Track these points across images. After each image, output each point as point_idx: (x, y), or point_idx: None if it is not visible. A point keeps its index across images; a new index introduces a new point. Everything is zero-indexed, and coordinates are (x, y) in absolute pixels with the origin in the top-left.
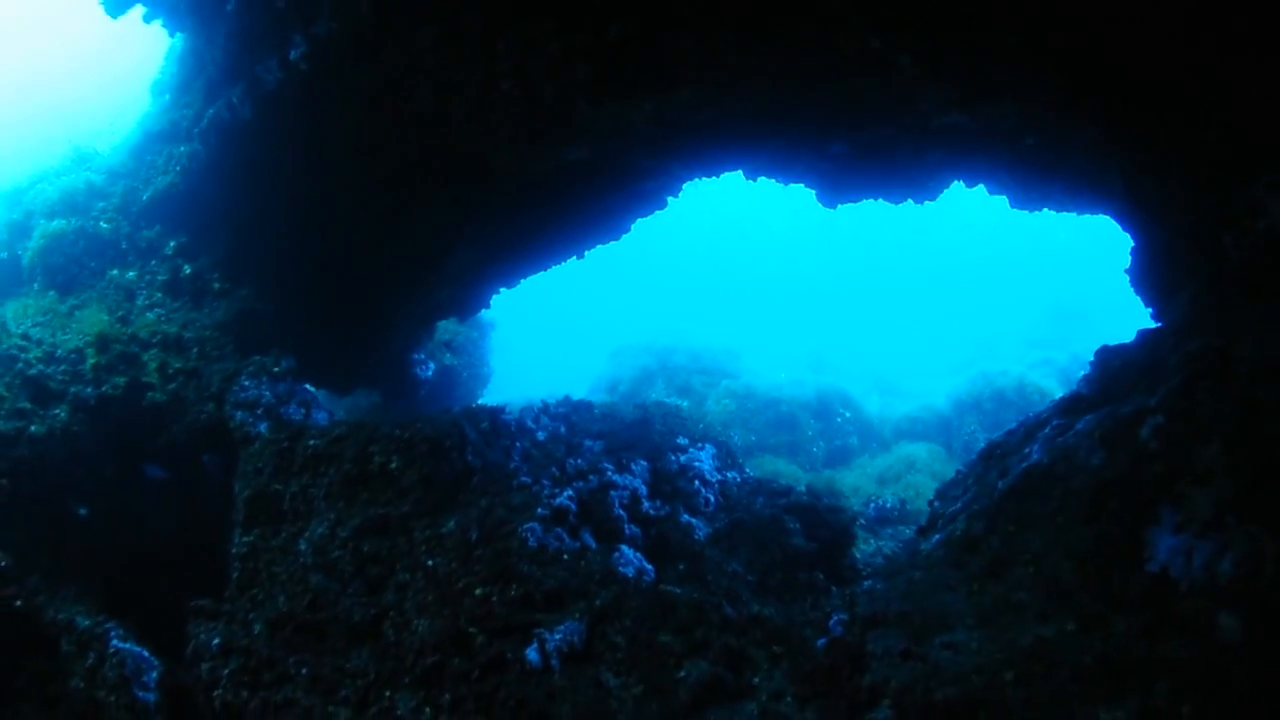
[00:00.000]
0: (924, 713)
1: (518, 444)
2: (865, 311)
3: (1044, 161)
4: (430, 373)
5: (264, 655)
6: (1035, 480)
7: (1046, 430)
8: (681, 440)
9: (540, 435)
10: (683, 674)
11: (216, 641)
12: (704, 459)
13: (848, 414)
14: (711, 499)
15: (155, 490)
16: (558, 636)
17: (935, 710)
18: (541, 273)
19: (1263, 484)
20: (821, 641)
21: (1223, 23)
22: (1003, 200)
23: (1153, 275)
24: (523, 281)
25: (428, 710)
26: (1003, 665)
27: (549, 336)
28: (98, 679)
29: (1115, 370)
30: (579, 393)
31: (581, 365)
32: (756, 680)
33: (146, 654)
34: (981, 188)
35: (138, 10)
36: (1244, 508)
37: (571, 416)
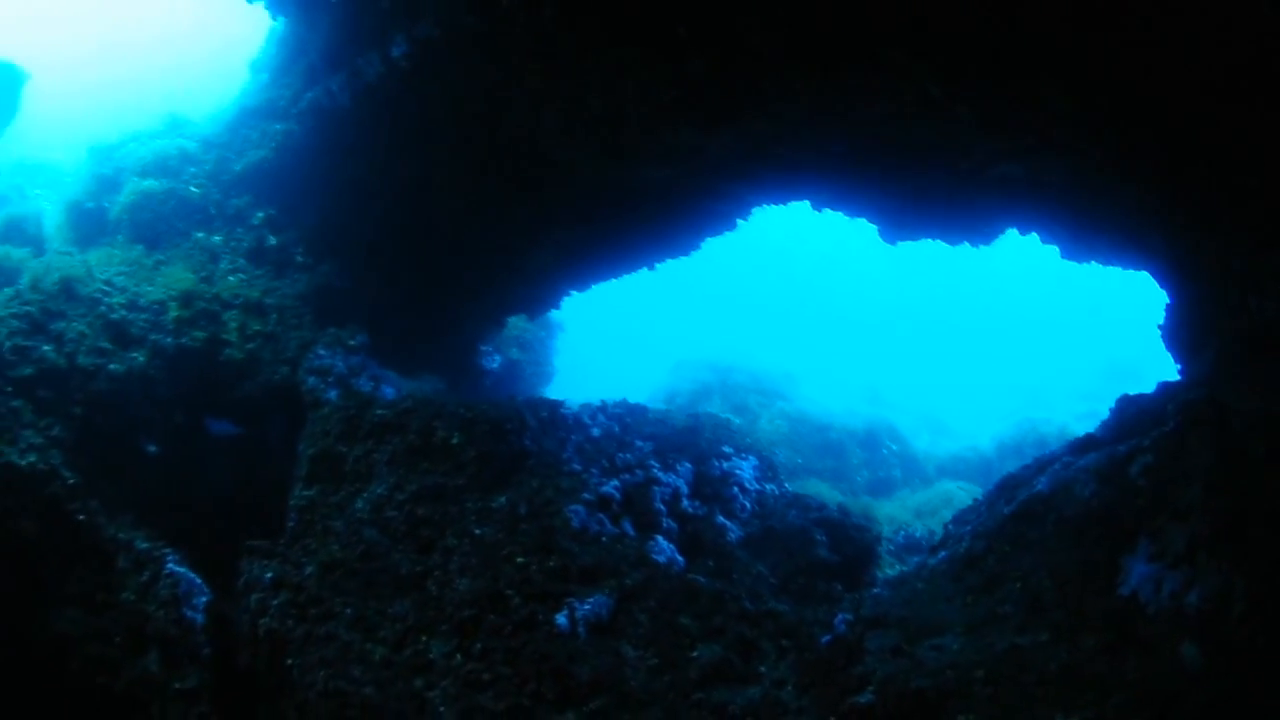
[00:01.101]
0: (900, 699)
1: (573, 437)
2: (925, 352)
3: (1091, 216)
4: (496, 365)
5: (313, 593)
6: (1034, 506)
7: (1055, 465)
8: (726, 449)
9: (595, 432)
10: (696, 654)
11: (269, 575)
12: (745, 468)
13: (894, 447)
14: (748, 505)
15: (219, 442)
16: (586, 607)
17: (909, 697)
18: (612, 280)
19: (1238, 526)
20: (826, 638)
21: (1257, 92)
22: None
23: (1182, 332)
24: (593, 287)
25: (459, 656)
26: (975, 665)
27: (614, 345)
28: (149, 595)
29: (1130, 417)
30: (638, 401)
31: (643, 375)
32: (764, 669)
33: (199, 580)
34: (1035, 237)
35: None
36: (1217, 546)
37: (626, 418)
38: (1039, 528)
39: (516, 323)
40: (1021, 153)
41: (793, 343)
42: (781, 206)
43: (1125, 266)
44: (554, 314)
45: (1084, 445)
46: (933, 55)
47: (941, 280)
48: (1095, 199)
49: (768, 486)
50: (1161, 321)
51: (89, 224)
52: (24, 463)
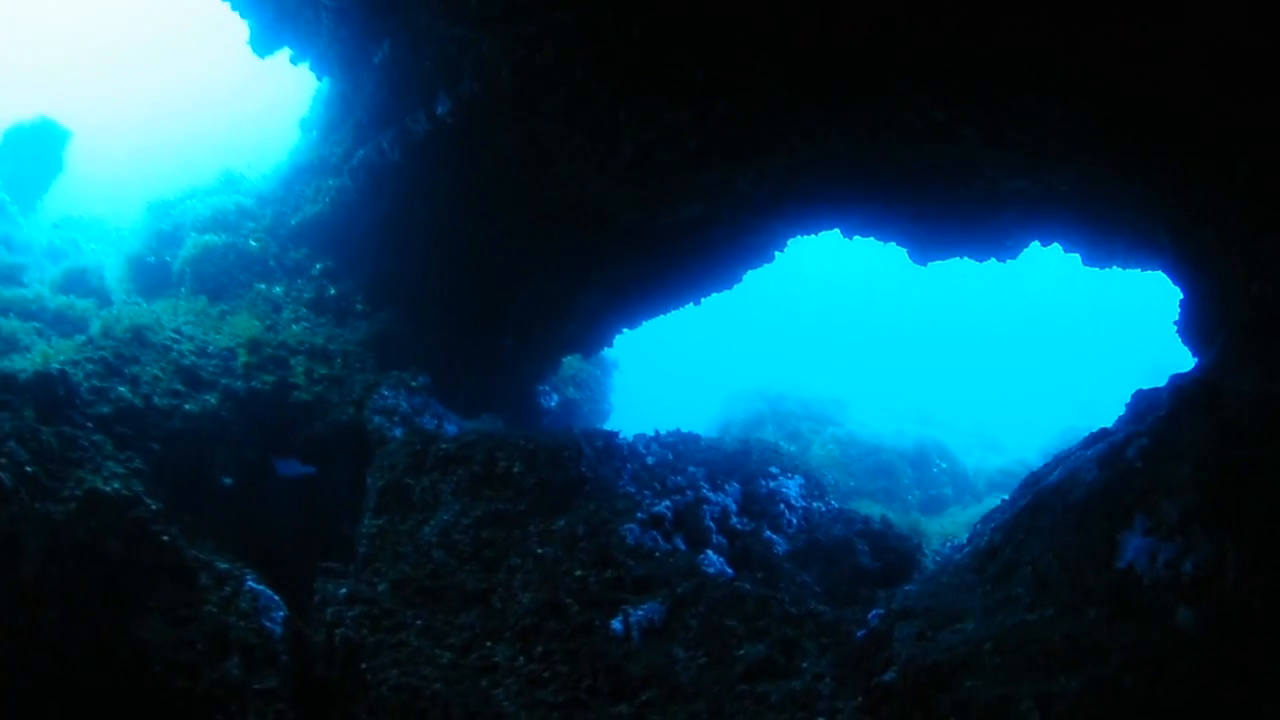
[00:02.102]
0: (918, 673)
1: (628, 465)
2: (974, 369)
3: (1103, 221)
4: (554, 403)
5: (385, 607)
6: (1045, 497)
7: (1070, 459)
8: (773, 470)
9: (649, 460)
10: (741, 652)
11: (344, 591)
12: (791, 487)
13: (944, 465)
14: (794, 521)
15: (288, 480)
16: (640, 613)
17: (926, 671)
18: (660, 315)
19: (1231, 497)
20: (860, 633)
21: (1247, 86)
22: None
23: (1195, 325)
24: (644, 323)
25: (521, 658)
26: (985, 639)
27: (669, 380)
28: (231, 608)
29: (1142, 410)
30: (693, 432)
31: (699, 408)
32: (805, 665)
33: (276, 597)
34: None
35: (277, 49)
36: (1209, 517)
37: (679, 446)
38: (1049, 516)
39: (572, 362)
40: (1028, 167)
41: (842, 368)
42: (820, 236)
43: (1143, 268)
44: (609, 352)
45: (1096, 438)
46: (933, 83)
47: (987, 296)
48: (1104, 204)
49: (814, 504)
50: (1177, 317)
51: (150, 276)
52: (109, 489)
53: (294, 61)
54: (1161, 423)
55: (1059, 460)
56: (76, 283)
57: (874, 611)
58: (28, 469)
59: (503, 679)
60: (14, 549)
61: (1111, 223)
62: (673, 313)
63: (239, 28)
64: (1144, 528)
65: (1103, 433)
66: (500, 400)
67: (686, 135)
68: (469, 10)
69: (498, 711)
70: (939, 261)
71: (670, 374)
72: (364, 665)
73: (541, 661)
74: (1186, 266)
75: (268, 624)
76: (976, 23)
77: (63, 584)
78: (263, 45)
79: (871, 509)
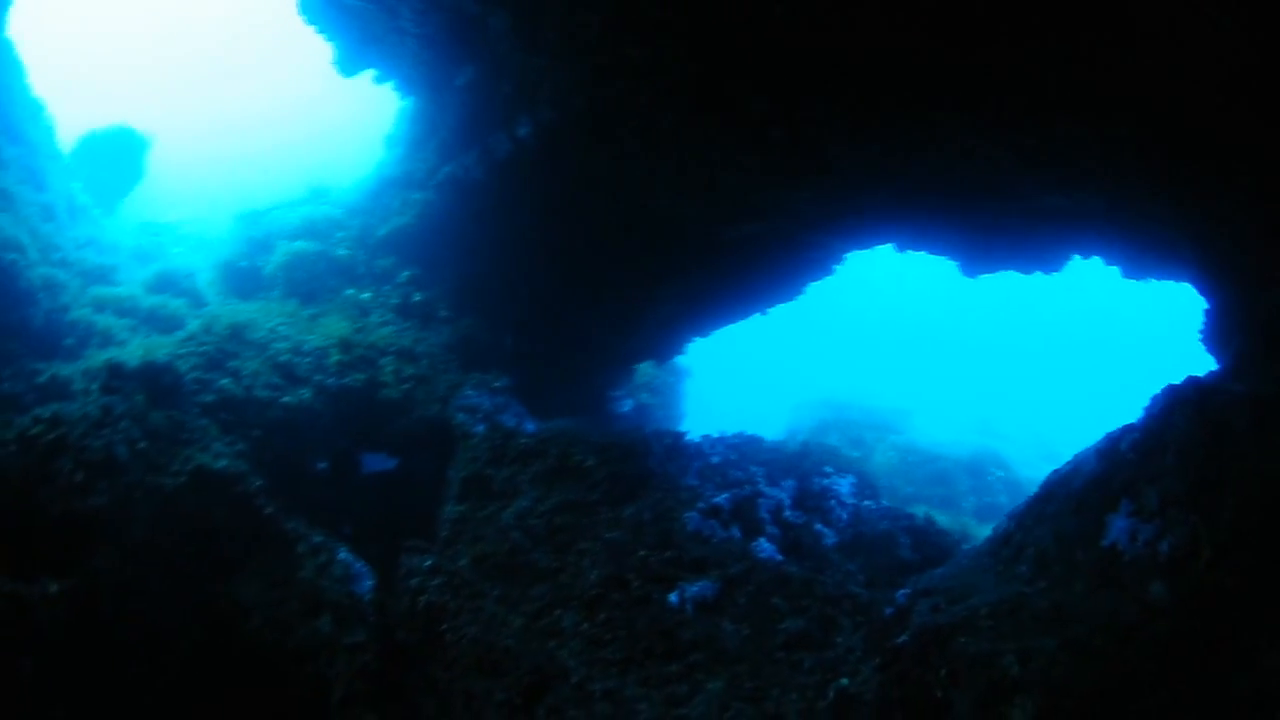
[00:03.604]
0: (923, 634)
1: (694, 463)
2: (1036, 381)
3: (1135, 234)
4: (628, 408)
5: (465, 578)
6: (1053, 487)
7: (1081, 454)
8: (827, 469)
9: (714, 459)
10: (783, 626)
11: (428, 563)
12: (843, 485)
13: (999, 473)
14: (844, 517)
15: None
16: (695, 589)
17: (929, 631)
18: (728, 325)
19: (1209, 485)
20: (889, 610)
21: (1253, 101)
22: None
23: (1216, 334)
24: (713, 332)
25: (585, 624)
26: (981, 606)
27: (739, 389)
28: (325, 574)
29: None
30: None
31: (768, 416)
32: (839, 639)
33: (366, 567)
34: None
35: (362, 70)
36: (1186, 501)
37: (742, 447)
38: (1054, 504)
39: (646, 369)
40: (1061, 185)
41: (907, 378)
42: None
43: (1176, 280)
44: (682, 360)
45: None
46: (967, 111)
47: (1049, 306)
48: (1134, 218)
49: (865, 502)
50: (1200, 327)
51: (242, 280)
52: (217, 465)
53: (378, 82)
54: (1154, 419)
55: (1075, 458)
56: (167, 284)
57: (901, 591)
58: (140, 445)
59: (568, 640)
60: (127, 515)
61: (1143, 236)
62: (744, 323)
63: (314, 44)
64: (1128, 510)
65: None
66: (576, 404)
67: (746, 159)
68: (545, 43)
69: (561, 666)
70: (988, 275)
71: (742, 383)
72: (444, 627)
73: (603, 626)
74: (1209, 277)
75: (357, 590)
76: (1007, 55)
77: (169, 547)
78: (348, 66)
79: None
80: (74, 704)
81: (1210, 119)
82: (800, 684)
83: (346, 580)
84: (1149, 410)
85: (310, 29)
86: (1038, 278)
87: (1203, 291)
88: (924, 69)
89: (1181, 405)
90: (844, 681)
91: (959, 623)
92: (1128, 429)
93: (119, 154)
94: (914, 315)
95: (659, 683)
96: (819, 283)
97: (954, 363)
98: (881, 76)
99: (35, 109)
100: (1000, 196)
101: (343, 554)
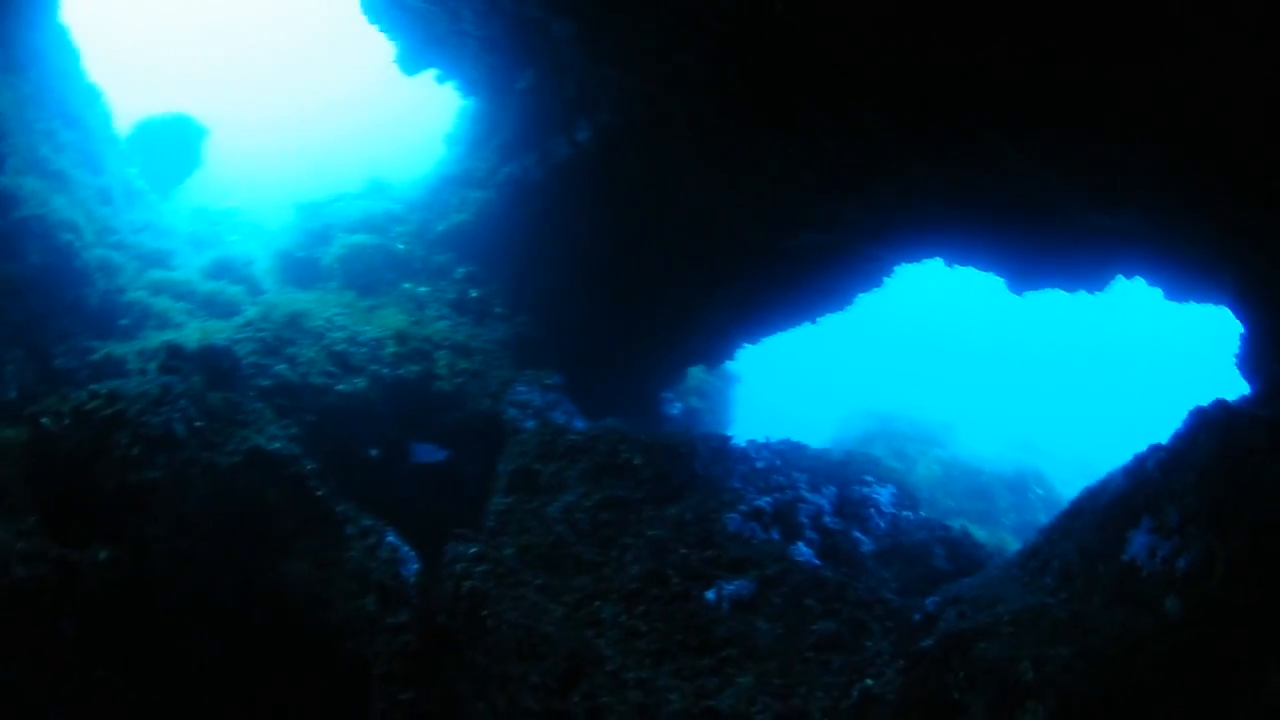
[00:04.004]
0: (948, 638)
1: (738, 467)
2: (1081, 400)
3: (1177, 256)
4: (677, 411)
5: (509, 566)
6: (1081, 503)
7: (1111, 474)
8: (868, 478)
9: (758, 463)
10: (815, 627)
11: (474, 550)
12: (883, 494)
13: (1040, 491)
14: (882, 525)
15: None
16: (732, 587)
17: (953, 636)
18: (779, 332)
19: (1228, 504)
20: (917, 616)
21: None
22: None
23: (1250, 359)
24: (764, 339)
25: (624, 616)
26: (1004, 615)
27: (789, 397)
28: (372, 556)
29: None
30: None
31: (816, 424)
32: (869, 643)
33: (412, 552)
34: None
35: (424, 69)
36: (1205, 520)
37: (787, 453)
38: (1082, 519)
39: (696, 373)
40: (1104, 205)
41: (954, 392)
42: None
43: (1215, 303)
44: (733, 366)
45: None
46: (1011, 126)
47: (1100, 326)
48: (1176, 240)
49: (904, 512)
50: (1236, 351)
51: (299, 270)
52: (271, 447)
53: (440, 81)
54: (1180, 439)
55: (1106, 476)
56: (224, 270)
57: (931, 599)
58: (197, 424)
59: (606, 630)
60: (182, 489)
61: (1185, 258)
62: (795, 332)
63: (370, 39)
64: (1149, 527)
65: None
66: (627, 405)
67: (800, 170)
68: (607, 50)
69: (598, 654)
70: (1035, 292)
71: (791, 391)
72: (485, 612)
73: (641, 619)
74: (1246, 302)
75: (404, 572)
76: (1053, 74)
77: (221, 522)
78: (410, 65)
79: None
80: (115, 666)
81: (1252, 145)
82: (827, 683)
83: (394, 563)
84: (1177, 431)
85: (372, 27)
86: (1087, 297)
87: (1239, 316)
88: (973, 88)
89: (1207, 427)
90: (869, 682)
91: (981, 629)
92: (1155, 448)
93: (176, 141)
94: (964, 329)
95: (691, 675)
96: (869, 294)
97: (1001, 378)
98: (930, 92)
99: (92, 94)
100: (1045, 213)
101: (391, 538)
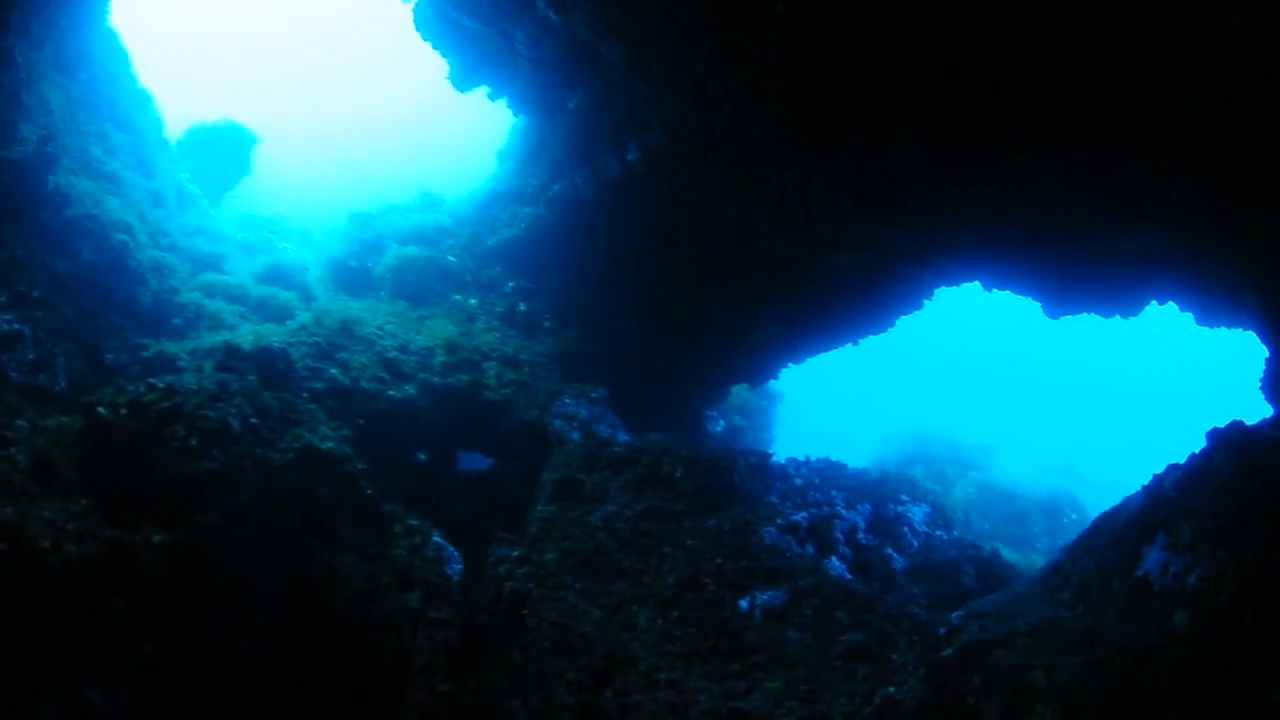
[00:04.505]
0: (966, 648)
1: (777, 484)
2: (1120, 428)
3: (1206, 281)
4: (719, 429)
5: (551, 570)
6: (1102, 521)
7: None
8: (903, 497)
9: (797, 480)
10: (843, 638)
11: (516, 553)
12: (917, 513)
13: (1074, 516)
14: (915, 544)
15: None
16: (765, 597)
17: (972, 646)
18: (821, 353)
19: (1239, 523)
20: (942, 630)
21: None
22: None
23: (1273, 382)
24: (806, 359)
25: (659, 621)
26: (1022, 626)
27: (831, 418)
28: (418, 554)
29: None
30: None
31: (857, 446)
32: (895, 656)
33: (457, 553)
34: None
35: (476, 87)
36: (1216, 538)
37: (826, 471)
38: (1101, 536)
39: (740, 391)
40: (1132, 229)
41: (993, 415)
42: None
43: (1243, 328)
44: (776, 385)
45: None
46: (1046, 152)
47: (1142, 354)
48: (1202, 265)
49: (937, 532)
50: (1262, 375)
51: (351, 278)
52: (324, 446)
53: (492, 98)
54: (1197, 460)
55: (1128, 496)
56: (277, 276)
57: (956, 614)
58: (252, 420)
59: (641, 634)
60: (236, 481)
61: (1211, 283)
62: (839, 353)
63: (421, 54)
64: (1163, 544)
65: None
66: (670, 420)
67: (841, 193)
68: (654, 72)
69: (632, 655)
70: (1070, 316)
71: (834, 412)
72: (526, 612)
73: (676, 624)
74: (1270, 326)
75: (448, 571)
76: (1078, 98)
77: (273, 514)
78: (462, 82)
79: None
80: (164, 644)
81: (1273, 169)
82: (851, 690)
83: (439, 561)
84: (1194, 452)
85: (426, 44)
86: (1131, 322)
87: (1265, 340)
88: (1002, 110)
89: (1223, 447)
90: (891, 690)
91: (999, 639)
92: (1172, 468)
93: (225, 148)
94: (1007, 353)
95: (721, 678)
96: (909, 316)
97: (1041, 403)
98: (963, 112)
99: (143, 99)
100: (1076, 239)
101: (437, 537)
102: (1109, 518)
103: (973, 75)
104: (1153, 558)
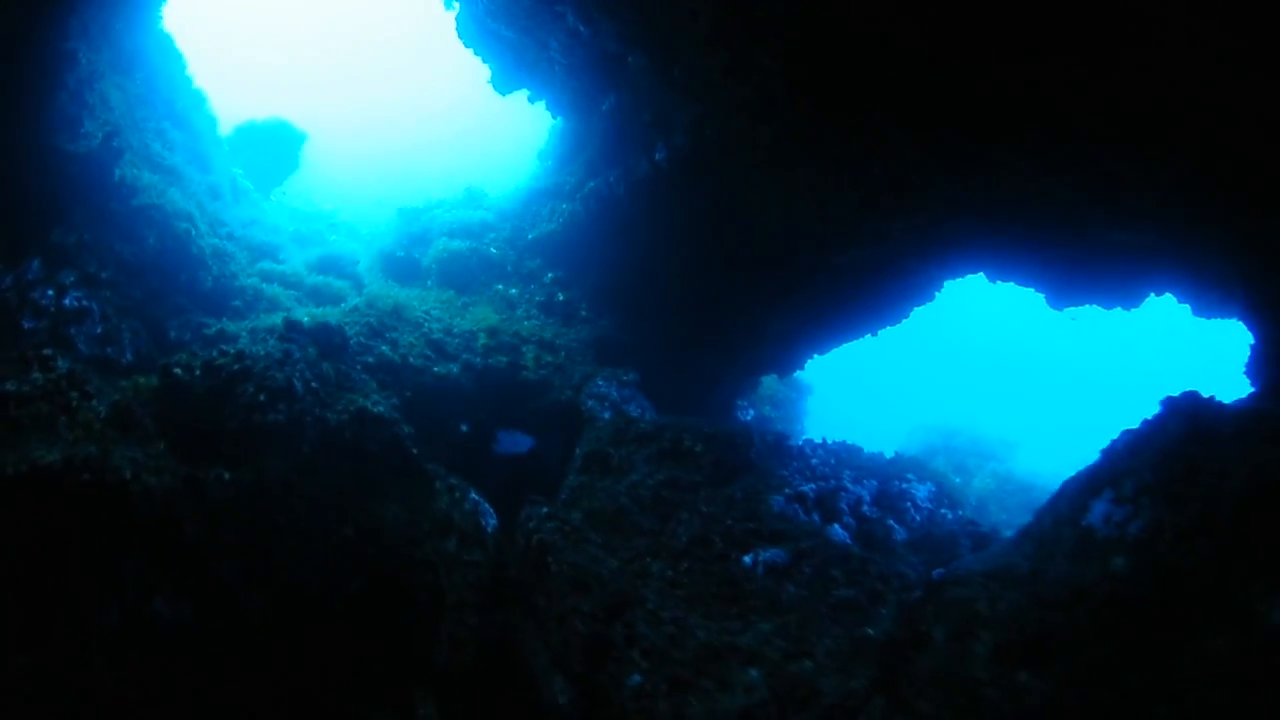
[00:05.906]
0: (928, 587)
1: (794, 463)
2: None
3: (1198, 272)
4: (749, 418)
5: (575, 525)
6: (1067, 486)
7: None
8: (909, 475)
9: (813, 461)
10: (836, 593)
11: (545, 510)
12: (921, 491)
13: None
14: (918, 519)
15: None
16: (767, 555)
17: (934, 585)
18: (842, 344)
19: (1178, 481)
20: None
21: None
22: None
23: (1255, 366)
24: (831, 350)
25: (669, 571)
26: (978, 569)
27: (860, 410)
28: (457, 507)
29: None
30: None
31: (884, 438)
32: (883, 611)
33: (491, 509)
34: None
35: (516, 90)
36: (1158, 493)
37: (841, 454)
38: (1063, 497)
39: (769, 382)
40: (1121, 219)
41: (1021, 409)
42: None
43: (1234, 317)
44: (806, 378)
45: None
46: (1034, 151)
47: (1169, 348)
48: (1192, 254)
49: (942, 510)
50: (1247, 360)
51: (399, 268)
52: (375, 410)
53: (531, 101)
54: (1149, 425)
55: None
56: (329, 266)
57: (936, 572)
58: (313, 384)
59: (651, 581)
60: (298, 433)
61: (1202, 273)
62: (870, 348)
63: (460, 53)
64: (1109, 497)
65: None
66: (702, 408)
67: (849, 190)
68: (677, 80)
69: (641, 596)
70: (1073, 307)
71: (863, 404)
72: (549, 559)
73: (683, 574)
74: (1254, 314)
75: (483, 523)
76: (1064, 93)
77: (328, 465)
78: (503, 85)
79: None
80: (228, 568)
81: (1255, 159)
82: (836, 634)
83: (475, 514)
84: (1148, 417)
85: (460, 41)
86: (1163, 327)
87: (1250, 327)
88: (988, 110)
89: (1175, 413)
90: (869, 630)
91: (958, 579)
92: (1127, 431)
93: (274, 144)
94: (1037, 352)
95: (720, 618)
96: (921, 307)
97: (1069, 402)
98: (954, 108)
99: (198, 99)
100: (1070, 230)
101: (474, 494)
102: (1073, 480)
103: (956, 82)
104: (1098, 509)
